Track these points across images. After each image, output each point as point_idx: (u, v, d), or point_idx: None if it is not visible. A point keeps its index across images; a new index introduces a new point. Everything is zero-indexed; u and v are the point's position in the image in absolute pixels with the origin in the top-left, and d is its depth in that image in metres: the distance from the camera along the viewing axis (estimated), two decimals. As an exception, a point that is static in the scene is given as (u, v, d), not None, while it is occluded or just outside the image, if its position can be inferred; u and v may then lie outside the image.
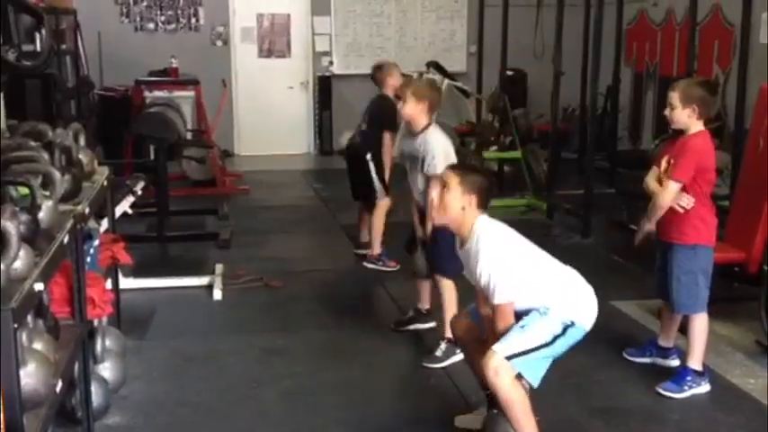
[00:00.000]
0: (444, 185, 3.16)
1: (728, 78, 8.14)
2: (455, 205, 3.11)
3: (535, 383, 3.05)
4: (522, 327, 3.02)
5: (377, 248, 5.85)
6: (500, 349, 2.99)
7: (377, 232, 5.86)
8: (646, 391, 3.84)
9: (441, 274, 4.22)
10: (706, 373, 3.88)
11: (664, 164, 3.82)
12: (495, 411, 3.22)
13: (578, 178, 7.99)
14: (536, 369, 3.04)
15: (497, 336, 3.04)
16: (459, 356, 3.99)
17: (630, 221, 6.67)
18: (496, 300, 3.02)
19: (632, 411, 3.70)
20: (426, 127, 4.29)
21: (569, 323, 3.04)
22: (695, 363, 3.85)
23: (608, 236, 6.71)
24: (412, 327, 4.59)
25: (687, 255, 3.78)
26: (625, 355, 4.19)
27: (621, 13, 8.92)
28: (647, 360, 4.15)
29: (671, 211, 3.78)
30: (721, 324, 4.57)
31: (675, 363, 4.04)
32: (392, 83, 5.77)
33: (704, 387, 3.84)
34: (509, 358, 2.98)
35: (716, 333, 4.50)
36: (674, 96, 3.73)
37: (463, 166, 3.29)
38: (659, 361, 4.12)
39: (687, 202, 3.71)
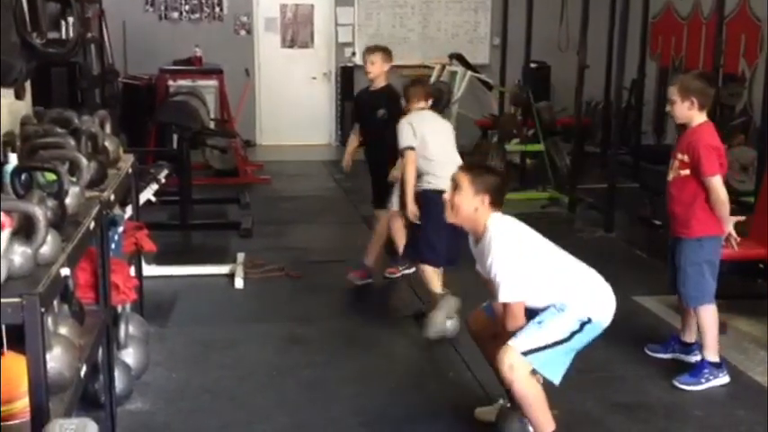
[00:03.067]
0: (456, 186, 3.11)
1: (755, 73, 8.05)
2: (467, 206, 3.08)
3: (556, 380, 3.04)
4: (539, 323, 3.01)
5: None
6: (516, 345, 2.98)
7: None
8: (667, 387, 3.82)
9: (423, 262, 4.29)
10: (723, 364, 3.87)
11: (674, 161, 3.82)
12: (508, 406, 3.22)
13: (601, 172, 7.93)
14: (555, 365, 3.02)
15: (507, 334, 3.03)
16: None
17: (654, 216, 6.63)
18: (503, 298, 3.00)
19: (653, 407, 3.68)
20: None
21: (586, 320, 3.02)
22: (711, 354, 3.84)
23: (631, 231, 6.66)
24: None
25: (693, 247, 3.80)
26: (647, 351, 4.17)
27: (647, 7, 8.83)
28: (668, 356, 4.13)
29: (677, 206, 3.82)
30: (744, 321, 4.53)
31: (698, 358, 4.00)
32: None
33: (722, 379, 3.83)
34: (525, 354, 2.96)
35: (738, 330, 4.46)
36: (673, 91, 3.75)
37: (474, 166, 3.22)
38: (681, 356, 4.09)
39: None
